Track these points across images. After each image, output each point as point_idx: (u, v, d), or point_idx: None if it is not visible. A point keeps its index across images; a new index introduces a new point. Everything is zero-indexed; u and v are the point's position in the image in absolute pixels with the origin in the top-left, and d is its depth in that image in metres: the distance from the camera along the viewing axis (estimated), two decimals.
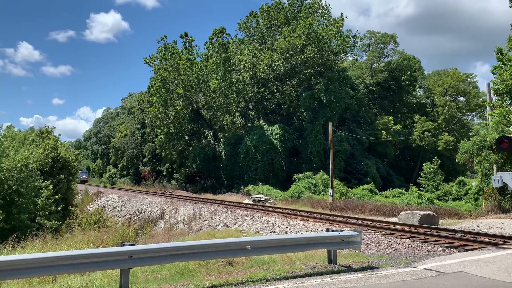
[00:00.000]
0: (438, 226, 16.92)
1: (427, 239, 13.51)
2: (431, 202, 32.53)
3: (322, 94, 49.63)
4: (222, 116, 52.14)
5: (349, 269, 9.03)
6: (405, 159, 62.95)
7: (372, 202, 29.99)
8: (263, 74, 52.91)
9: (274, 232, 17.73)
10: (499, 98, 24.25)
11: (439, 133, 56.38)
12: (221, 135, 54.52)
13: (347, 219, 19.81)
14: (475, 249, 11.62)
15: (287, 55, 50.68)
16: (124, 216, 33.48)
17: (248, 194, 41.51)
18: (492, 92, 25.10)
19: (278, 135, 49.05)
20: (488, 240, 12.87)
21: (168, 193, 48.91)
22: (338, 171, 45.28)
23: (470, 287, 7.15)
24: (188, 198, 38.77)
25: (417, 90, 67.87)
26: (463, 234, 14.05)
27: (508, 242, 12.24)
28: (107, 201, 43.93)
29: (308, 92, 49.98)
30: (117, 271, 8.32)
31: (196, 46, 56.26)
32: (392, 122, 56.95)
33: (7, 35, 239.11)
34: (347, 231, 9.67)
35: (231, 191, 46.68)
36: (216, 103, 50.71)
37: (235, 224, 20.89)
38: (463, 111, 61.95)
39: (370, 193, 38.06)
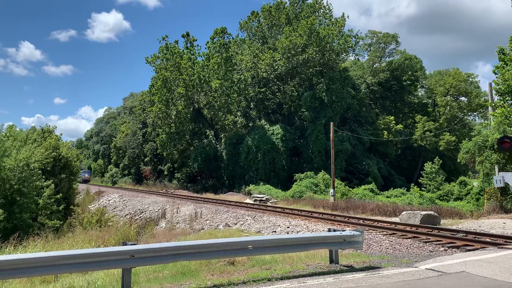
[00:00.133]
0: (439, 226, 16.90)
1: (429, 239, 13.50)
2: (433, 202, 32.48)
3: (324, 94, 49.62)
4: (224, 116, 52.16)
5: (351, 269, 9.03)
6: (406, 159, 62.90)
7: (373, 202, 29.96)
8: (264, 73, 52.91)
9: (275, 232, 17.73)
10: (501, 98, 24.19)
11: (440, 133, 56.31)
12: (222, 135, 54.54)
13: (348, 219, 19.80)
14: (477, 249, 11.60)
15: (289, 54, 50.66)
16: (125, 216, 33.52)
17: (249, 193, 41.52)
18: (494, 92, 25.03)
19: (279, 135, 49.05)
20: (489, 240, 12.85)
21: (170, 192, 48.94)
22: (339, 171, 45.26)
23: (472, 287, 7.14)
24: (189, 197, 38.79)
25: (419, 90, 67.82)
26: (464, 234, 14.03)
27: (510, 242, 12.22)
28: (109, 200, 43.98)
29: (310, 92, 49.96)
30: (119, 271, 8.34)
31: (198, 46, 56.37)
32: (394, 122, 56.91)
33: (8, 34, 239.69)
34: (349, 231, 9.67)
35: (233, 191, 46.70)
36: (218, 103, 50.74)
37: (236, 224, 20.90)
38: (465, 111, 61.86)
39: (372, 193, 38.02)
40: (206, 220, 23.50)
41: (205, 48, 55.45)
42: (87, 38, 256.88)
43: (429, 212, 18.75)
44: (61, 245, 17.12)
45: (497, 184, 20.04)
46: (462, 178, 39.12)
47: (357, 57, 65.63)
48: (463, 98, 62.53)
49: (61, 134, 39.27)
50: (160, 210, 30.39)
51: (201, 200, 34.56)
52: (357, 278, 7.91)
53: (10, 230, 22.81)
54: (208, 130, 56.24)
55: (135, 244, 7.71)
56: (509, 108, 23.21)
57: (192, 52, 54.74)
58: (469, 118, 64.04)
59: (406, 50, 63.25)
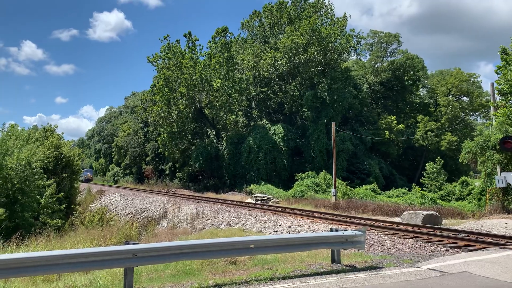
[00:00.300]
0: (441, 226, 16.88)
1: (431, 239, 13.49)
2: (434, 202, 32.43)
3: (325, 93, 49.60)
4: (225, 115, 52.18)
5: (352, 268, 9.03)
6: (408, 159, 62.82)
7: (375, 202, 29.93)
8: (266, 73, 52.90)
9: (277, 231, 17.74)
10: (503, 98, 24.12)
11: (442, 133, 56.21)
12: (224, 134, 54.56)
13: (350, 219, 19.79)
14: (479, 249, 11.59)
15: (290, 54, 50.63)
16: (127, 215, 33.55)
17: (250, 193, 41.55)
18: (495, 92, 24.99)
19: (280, 135, 49.05)
20: (491, 240, 12.84)
21: (171, 192, 48.98)
22: (340, 171, 45.24)
23: None
24: (190, 197, 38.82)
25: (420, 89, 67.71)
26: (466, 234, 14.02)
27: None
28: (110, 199, 44.01)
29: (311, 92, 49.94)
30: (121, 270, 8.34)
31: (199, 45, 56.38)
32: (395, 121, 56.83)
33: (10, 33, 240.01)
34: (350, 230, 9.67)
35: (234, 190, 46.73)
36: (219, 102, 50.76)
37: (238, 223, 20.91)
38: (467, 111, 61.75)
39: (373, 193, 37.97)
40: (208, 219, 23.52)
41: (207, 48, 55.54)
42: (88, 37, 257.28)
43: (431, 212, 18.72)
44: (63, 244, 17.14)
45: (499, 184, 20.00)
46: (463, 178, 39.04)
47: (358, 57, 65.67)
48: (465, 98, 62.45)
49: (63, 133, 39.46)
50: (161, 210, 30.41)
51: (202, 200, 34.58)
52: (359, 278, 7.92)
53: (12, 229, 22.88)
54: (209, 130, 56.26)
55: (138, 243, 7.72)
56: (511, 108, 23.15)
57: (194, 51, 54.76)
58: (470, 118, 63.95)
59: (408, 50, 63.35)
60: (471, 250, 11.55)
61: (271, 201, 34.93)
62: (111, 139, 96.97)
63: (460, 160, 27.91)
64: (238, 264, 10.01)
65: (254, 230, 18.71)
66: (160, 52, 55.31)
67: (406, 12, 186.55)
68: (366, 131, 53.48)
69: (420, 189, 36.85)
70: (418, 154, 61.56)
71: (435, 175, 45.20)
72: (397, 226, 16.91)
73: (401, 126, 57.52)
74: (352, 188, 38.23)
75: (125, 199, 40.98)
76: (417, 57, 62.57)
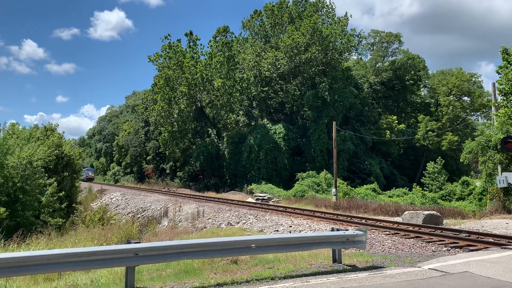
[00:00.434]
0: (442, 226, 16.87)
1: (432, 239, 13.48)
2: (435, 202, 32.41)
3: (326, 93, 49.56)
4: (226, 115, 52.18)
5: (354, 268, 9.03)
6: (408, 158, 62.80)
7: (375, 202, 29.91)
8: (267, 72, 52.89)
9: (278, 231, 17.74)
10: (504, 98, 24.10)
11: (443, 133, 56.18)
12: (224, 134, 54.57)
13: (350, 219, 19.79)
14: (480, 249, 11.59)
15: (291, 53, 50.60)
16: (127, 214, 33.57)
17: (251, 192, 41.54)
18: (497, 92, 24.97)
19: (281, 134, 49.03)
20: (493, 240, 12.83)
21: (172, 191, 48.99)
22: (341, 170, 45.24)
23: None
24: (191, 196, 38.82)
25: (421, 89, 67.65)
26: (467, 234, 14.01)
27: None
28: (111, 198, 44.03)
29: (312, 91, 49.92)
30: (123, 269, 8.36)
31: (201, 45, 56.42)
32: (396, 121, 56.81)
33: (11, 32, 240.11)
34: (352, 230, 9.66)
35: (234, 190, 46.73)
36: (220, 102, 50.76)
37: (238, 223, 20.91)
38: (468, 111, 61.71)
39: (374, 192, 37.95)
40: (209, 218, 23.52)
41: (208, 47, 55.52)
42: (89, 36, 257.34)
43: (432, 212, 18.71)
44: (64, 243, 17.19)
45: (500, 184, 20.01)
46: (464, 178, 39.01)
47: (359, 57, 65.63)
48: (466, 98, 62.40)
49: (64, 132, 39.41)
50: (162, 209, 30.42)
51: (203, 199, 34.58)
52: (360, 278, 7.92)
53: (13, 227, 22.91)
54: (210, 129, 56.27)
55: (139, 243, 7.74)
56: None
57: (195, 50, 54.73)
58: (471, 118, 63.89)
59: (409, 50, 63.13)
60: (472, 250, 11.55)
61: (272, 200, 34.93)
62: (112, 138, 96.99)
63: (461, 160, 27.89)
64: (239, 264, 10.01)
65: (255, 229, 18.71)
66: (161, 51, 55.32)
67: (407, 12, 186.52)
68: (367, 131, 53.46)
69: (421, 189, 36.83)
70: (419, 154, 61.54)
71: (436, 175, 45.16)
72: (398, 226, 16.90)
73: (402, 126, 57.49)
74: (352, 188, 38.21)
75: (126, 198, 41.00)
76: (418, 57, 62.51)
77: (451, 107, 59.16)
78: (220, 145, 54.25)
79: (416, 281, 7.57)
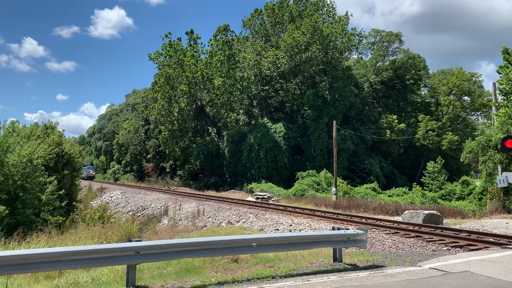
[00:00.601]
0: (442, 226, 16.90)
1: (432, 238, 13.50)
2: (435, 202, 32.44)
3: (326, 92, 49.56)
4: (226, 114, 52.18)
5: (354, 267, 9.04)
6: (408, 158, 62.81)
7: (375, 201, 29.95)
8: (267, 71, 52.87)
9: (278, 229, 17.76)
10: (505, 98, 24.12)
11: (443, 133, 56.19)
12: (224, 133, 54.57)
13: (351, 218, 19.81)
14: (480, 249, 11.60)
15: (292, 52, 50.58)
16: (127, 212, 33.60)
17: (251, 191, 41.56)
18: (497, 91, 24.99)
19: (281, 133, 49.04)
20: (493, 240, 12.85)
21: (172, 189, 49.00)
22: (341, 170, 45.25)
23: (476, 287, 7.15)
24: (191, 195, 38.85)
25: (422, 89, 67.61)
26: (467, 234, 14.03)
27: None
28: (111, 197, 44.06)
29: (312, 90, 49.91)
30: (123, 267, 8.37)
31: (201, 43, 56.30)
32: (396, 121, 56.80)
33: (11, 30, 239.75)
34: (353, 229, 9.68)
35: (234, 189, 46.75)
36: (220, 101, 50.75)
37: (239, 222, 20.93)
38: (468, 110, 61.70)
39: (374, 192, 38.00)
40: (209, 217, 23.54)
41: (208, 46, 55.47)
42: (90, 34, 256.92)
43: (432, 212, 18.74)
44: (64, 241, 17.21)
45: (500, 184, 20.02)
46: (464, 177, 39.04)
47: (360, 56, 65.58)
48: (466, 98, 62.38)
49: (63, 130, 39.44)
50: (162, 207, 30.45)
51: (203, 198, 34.61)
52: (361, 277, 7.93)
53: (13, 225, 22.91)
54: (210, 128, 56.28)
55: (140, 241, 7.75)
56: None
57: (195, 49, 54.69)
58: (472, 117, 63.90)
59: (410, 49, 62.99)
60: (472, 250, 11.57)
61: (272, 199, 34.95)
62: (112, 137, 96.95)
63: (461, 160, 27.91)
64: (239, 262, 10.03)
65: (255, 228, 18.73)
66: (162, 50, 55.29)
67: (408, 11, 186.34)
68: (367, 130, 53.47)
69: (420, 188, 36.87)
70: (419, 153, 61.56)
71: (436, 174, 45.19)
72: (398, 225, 16.93)
73: (402, 125, 57.49)
74: (352, 187, 38.26)
75: (126, 197, 41.03)
76: (419, 56, 62.47)
77: (451, 106, 59.16)
78: (220, 144, 54.27)
79: (417, 280, 7.59)
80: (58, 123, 39.48)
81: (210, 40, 55.26)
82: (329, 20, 55.46)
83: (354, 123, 54.71)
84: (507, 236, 13.38)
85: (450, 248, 12.07)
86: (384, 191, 40.19)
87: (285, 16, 56.61)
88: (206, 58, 53.51)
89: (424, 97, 67.06)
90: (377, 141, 53.93)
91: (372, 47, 64.52)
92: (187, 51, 53.45)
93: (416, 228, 15.87)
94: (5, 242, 16.01)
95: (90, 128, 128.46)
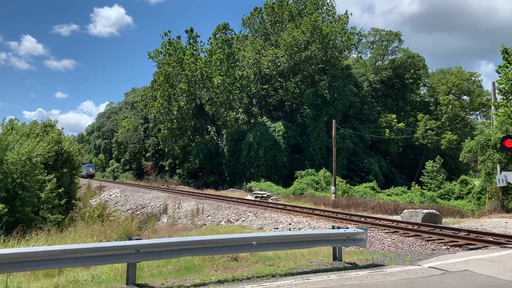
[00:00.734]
0: (441, 225, 16.93)
1: (431, 237, 13.53)
2: (434, 201, 32.53)
3: (326, 91, 49.56)
4: (225, 112, 52.16)
5: (354, 266, 9.06)
6: (407, 157, 62.88)
7: (374, 200, 30.01)
8: (266, 70, 52.84)
9: (277, 228, 17.78)
10: (504, 98, 24.17)
11: (442, 132, 56.28)
12: (224, 131, 54.56)
13: (350, 217, 19.83)
14: (479, 248, 11.63)
15: (291, 51, 50.55)
16: (127, 211, 33.59)
17: (250, 190, 41.57)
18: (496, 91, 25.02)
19: (281, 132, 49.04)
20: (492, 239, 12.87)
21: (171, 188, 48.99)
22: (340, 169, 45.28)
23: (475, 286, 7.17)
24: (190, 193, 38.85)
25: (421, 88, 67.68)
26: (466, 233, 14.05)
27: None
28: (110, 195, 44.05)
29: (312, 89, 49.91)
30: (123, 265, 8.38)
31: (201, 42, 56.25)
32: (396, 120, 56.85)
33: (10, 28, 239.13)
34: (352, 228, 9.69)
35: (233, 187, 46.75)
36: (220, 99, 50.72)
37: (238, 220, 20.95)
38: (467, 110, 61.76)
39: (373, 191, 38.06)
40: (208, 216, 23.56)
41: (208, 44, 55.39)
42: (89, 32, 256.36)
43: (431, 211, 18.77)
44: (63, 239, 17.19)
45: (499, 183, 20.06)
46: (463, 177, 39.14)
47: (359, 55, 65.52)
48: (465, 97, 62.42)
49: (63, 128, 39.50)
50: (161, 206, 30.44)
51: (202, 196, 34.62)
52: (361, 276, 7.95)
53: (12, 223, 22.90)
54: (209, 126, 56.26)
55: (141, 239, 7.76)
56: None
57: (195, 47, 54.63)
58: (471, 117, 63.99)
59: (409, 48, 63.05)
60: (471, 249, 11.59)
61: (271, 198, 34.97)
62: (111, 135, 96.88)
63: (460, 159, 27.95)
64: (239, 261, 10.04)
65: (255, 227, 18.75)
66: (161, 48, 55.22)
67: (408, 10, 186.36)
68: (366, 129, 53.51)
69: (419, 187, 36.95)
70: (418, 152, 61.63)
71: (435, 173, 45.28)
72: (397, 224, 16.95)
73: (401, 124, 57.54)
74: (351, 186, 38.31)
75: (125, 195, 41.02)
76: (418, 56, 62.48)
77: (450, 106, 59.21)
78: (219, 142, 54.26)
79: (417, 280, 7.60)
80: (57, 121, 39.53)
81: (210, 38, 55.22)
82: (328, 19, 55.43)
83: (353, 122, 54.74)
84: (506, 235, 13.41)
85: (449, 247, 12.09)
86: (383, 190, 40.28)
87: (284, 14, 56.57)
88: (205, 56, 53.43)
89: (423, 96, 67.12)
90: (376, 140, 53.97)
91: (371, 46, 64.56)
92: (186, 49, 53.38)
93: (415, 227, 15.91)
94: (4, 240, 16.00)
95: (89, 126, 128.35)
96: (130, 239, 7.72)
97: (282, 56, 51.56)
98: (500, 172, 21.92)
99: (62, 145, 34.98)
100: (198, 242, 8.05)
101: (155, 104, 53.91)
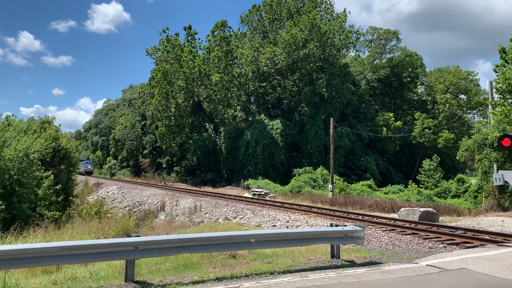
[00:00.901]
0: (438, 223, 17.00)
1: (428, 235, 13.58)
2: (430, 199, 32.65)
3: (324, 89, 49.59)
4: (223, 110, 52.12)
5: (352, 264, 9.09)
6: (405, 155, 63.04)
7: (371, 198, 30.09)
8: (265, 68, 52.83)
9: (275, 226, 17.80)
10: (501, 97, 24.22)
11: (439, 131, 56.44)
12: (221, 129, 54.54)
13: (347, 214, 19.88)
14: (476, 246, 11.69)
15: (289, 49, 50.54)
16: (124, 208, 33.57)
17: (248, 188, 41.60)
18: (494, 90, 25.09)
19: (278, 130, 49.06)
20: (489, 237, 12.93)
21: (168, 185, 48.99)
22: (338, 167, 45.36)
23: (473, 284, 7.21)
24: (188, 190, 38.84)
25: (418, 87, 67.81)
26: (463, 232, 14.11)
27: (509, 240, 12.30)
28: (107, 192, 44.00)
29: (310, 87, 49.94)
30: (122, 262, 8.39)
31: (199, 39, 56.15)
32: (393, 118, 56.97)
33: (8, 24, 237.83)
34: (350, 226, 9.72)
35: (231, 185, 46.76)
36: (218, 97, 50.67)
37: (236, 218, 20.97)
38: (464, 109, 61.97)
39: (370, 189, 38.17)
40: (206, 213, 23.57)
41: (206, 42, 55.32)
42: (86, 29, 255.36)
43: (428, 209, 18.85)
44: (61, 236, 17.17)
45: (496, 182, 20.15)
46: (460, 175, 39.27)
47: (357, 53, 65.63)
48: (462, 96, 62.61)
49: (60, 125, 39.28)
50: (159, 203, 30.43)
51: (200, 193, 34.61)
52: (359, 273, 7.98)
53: (10, 220, 22.85)
54: (207, 124, 56.22)
55: (139, 236, 7.76)
56: (509, 107, 23.25)
57: (193, 45, 54.54)
58: (468, 116, 64.18)
59: (407, 47, 63.17)
60: (468, 247, 11.64)
61: (268, 196, 35.02)
62: (108, 132, 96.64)
63: (457, 158, 28.06)
64: (237, 258, 10.06)
65: (253, 224, 18.77)
66: (159, 45, 55.09)
67: (406, 9, 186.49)
68: (363, 128, 53.60)
69: (416, 186, 37.06)
70: (415, 151, 61.81)
71: (432, 172, 45.40)
72: (394, 222, 17.00)
73: (399, 123, 57.68)
74: (349, 184, 38.41)
75: (123, 192, 40.99)
76: (416, 54, 62.59)
77: (447, 105, 59.37)
78: (217, 140, 54.25)
79: (414, 277, 7.64)
80: (54, 117, 39.38)
81: (208, 36, 55.07)
82: (327, 17, 55.40)
83: (351, 121, 54.81)
84: (503, 234, 13.48)
85: (446, 245, 12.15)
86: (380, 188, 40.38)
87: (283, 12, 56.52)
88: (203, 54, 53.35)
89: (420, 95, 67.26)
90: (373, 139, 54.06)
91: (369, 45, 64.59)
92: (184, 46, 53.27)
93: (413, 225, 15.97)
94: (1, 237, 15.96)
95: (86, 123, 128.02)
96: (129, 236, 7.71)
97: (280, 54, 51.53)
98: (497, 171, 22.02)
99: (59, 141, 34.91)
100: (197, 239, 8.06)
101: (153, 101, 53.82)
